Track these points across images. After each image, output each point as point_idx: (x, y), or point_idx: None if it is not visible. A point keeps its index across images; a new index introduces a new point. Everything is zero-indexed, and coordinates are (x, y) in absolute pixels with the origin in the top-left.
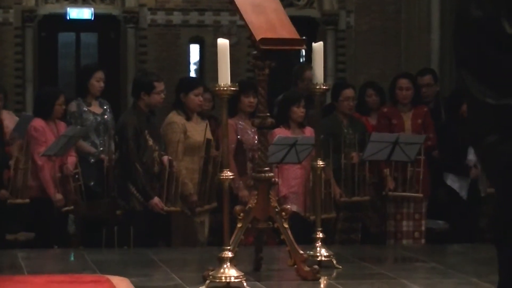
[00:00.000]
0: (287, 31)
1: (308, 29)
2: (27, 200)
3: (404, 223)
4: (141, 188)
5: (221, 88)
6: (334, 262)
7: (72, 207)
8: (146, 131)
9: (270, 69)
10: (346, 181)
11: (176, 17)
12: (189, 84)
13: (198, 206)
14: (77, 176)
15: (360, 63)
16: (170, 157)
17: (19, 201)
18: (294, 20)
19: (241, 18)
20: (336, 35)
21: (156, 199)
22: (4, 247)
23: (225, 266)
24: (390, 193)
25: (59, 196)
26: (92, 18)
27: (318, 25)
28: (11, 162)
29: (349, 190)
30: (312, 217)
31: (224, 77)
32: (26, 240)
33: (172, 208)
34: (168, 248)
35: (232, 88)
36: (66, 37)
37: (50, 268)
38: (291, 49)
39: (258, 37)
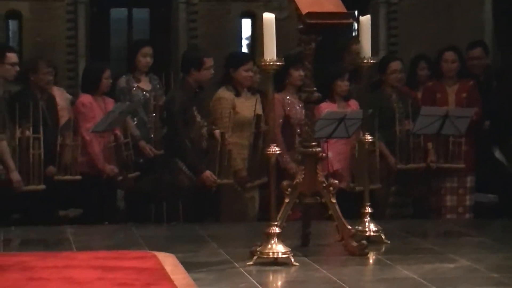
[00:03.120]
0: (334, 4)
1: (360, 2)
2: (78, 177)
3: (448, 197)
4: (190, 163)
5: (267, 63)
6: (383, 237)
7: (120, 177)
8: (194, 107)
9: (316, 43)
10: (401, 150)
11: None
12: (239, 59)
13: (248, 182)
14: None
15: (411, 36)
16: (222, 131)
17: (67, 177)
18: None
19: None
20: (388, 8)
21: (207, 172)
22: (55, 223)
23: (272, 241)
24: (432, 164)
25: (109, 167)
26: None
27: None
28: (59, 139)
29: (404, 159)
30: (357, 188)
31: (270, 52)
32: (76, 216)
33: (225, 181)
34: (217, 223)
35: (278, 63)
36: (118, 13)
37: (98, 244)
38: (338, 23)
39: (304, 11)
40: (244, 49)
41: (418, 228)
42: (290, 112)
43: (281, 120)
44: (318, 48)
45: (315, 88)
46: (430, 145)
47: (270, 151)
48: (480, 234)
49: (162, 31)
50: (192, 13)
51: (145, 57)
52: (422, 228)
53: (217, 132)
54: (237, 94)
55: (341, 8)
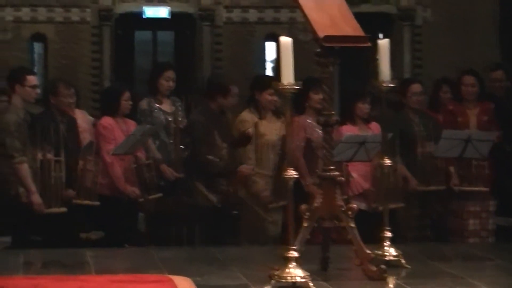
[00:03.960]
0: (351, 27)
1: (384, 25)
2: (97, 203)
3: (471, 221)
4: (221, 169)
5: (285, 87)
6: (403, 261)
7: (142, 199)
8: (216, 132)
9: (334, 66)
10: (422, 172)
11: (252, 15)
12: (264, 83)
13: (273, 202)
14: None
15: (436, 59)
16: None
17: (86, 202)
18: (370, 16)
19: (303, 15)
20: (413, 31)
21: (242, 166)
22: (77, 246)
23: (290, 266)
24: (456, 187)
25: (131, 189)
26: (169, 17)
27: (395, 21)
28: (81, 163)
29: (425, 181)
30: (380, 208)
31: (287, 75)
32: (98, 239)
33: (262, 171)
34: (236, 246)
35: (295, 86)
36: (142, 35)
37: (117, 267)
38: (355, 46)
39: (321, 34)
40: (269, 72)
41: (438, 252)
42: (311, 135)
43: (303, 144)
44: (352, 71)
45: (333, 112)
46: (452, 168)
47: (287, 174)
48: (501, 258)
49: (186, 53)
50: (217, 36)
51: (167, 81)
52: (443, 252)
53: (250, 130)
54: (261, 117)
55: (359, 31)
